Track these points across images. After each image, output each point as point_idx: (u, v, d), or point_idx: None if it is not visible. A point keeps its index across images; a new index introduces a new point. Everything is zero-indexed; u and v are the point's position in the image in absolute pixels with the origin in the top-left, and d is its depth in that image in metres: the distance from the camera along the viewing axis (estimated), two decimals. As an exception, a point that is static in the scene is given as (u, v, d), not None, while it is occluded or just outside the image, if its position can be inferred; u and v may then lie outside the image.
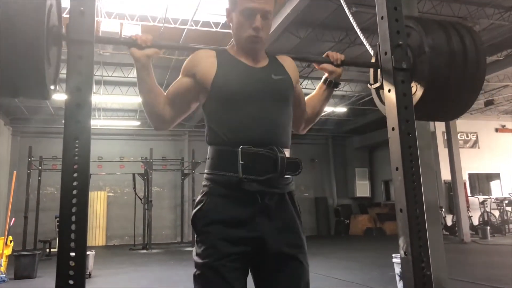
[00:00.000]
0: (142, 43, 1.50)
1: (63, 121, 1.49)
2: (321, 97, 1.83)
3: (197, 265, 1.45)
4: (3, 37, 1.23)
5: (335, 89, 1.83)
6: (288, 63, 1.69)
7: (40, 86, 1.37)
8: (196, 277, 1.45)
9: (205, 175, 1.55)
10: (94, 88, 10.90)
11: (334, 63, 1.77)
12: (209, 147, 1.55)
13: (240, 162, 1.41)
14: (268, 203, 1.47)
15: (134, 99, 12.82)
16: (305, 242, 1.56)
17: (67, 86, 1.51)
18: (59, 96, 11.72)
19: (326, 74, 1.81)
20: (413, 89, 1.81)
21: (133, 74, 11.30)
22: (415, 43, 1.82)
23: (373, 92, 2.03)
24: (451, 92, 1.82)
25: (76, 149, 1.45)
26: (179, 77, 1.60)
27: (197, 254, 1.46)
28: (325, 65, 1.79)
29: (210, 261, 1.41)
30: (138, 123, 15.26)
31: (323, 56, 1.81)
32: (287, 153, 1.51)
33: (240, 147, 1.42)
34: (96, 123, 13.83)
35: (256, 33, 1.52)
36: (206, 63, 1.54)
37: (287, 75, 1.63)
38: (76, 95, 1.49)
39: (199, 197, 1.53)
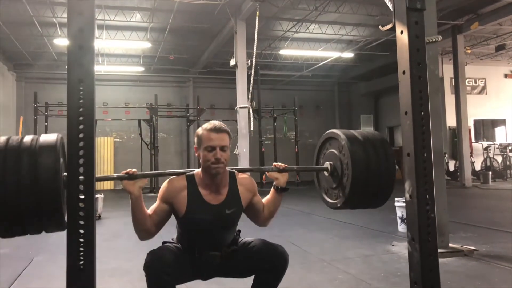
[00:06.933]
0: (131, 173, 1.94)
1: (66, 67, 1.46)
2: (273, 201, 2.28)
3: None
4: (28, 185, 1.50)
5: (283, 193, 2.25)
6: (247, 185, 2.20)
7: (59, 222, 1.61)
8: None
9: (176, 239, 2.21)
10: (96, 32, 10.65)
11: (280, 169, 2.20)
12: (179, 229, 2.18)
13: (196, 255, 2.09)
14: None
15: (137, 44, 12.56)
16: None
17: (68, 28, 1.46)
18: (61, 41, 11.55)
19: (275, 181, 2.23)
20: (337, 196, 2.24)
21: (135, 18, 10.99)
22: (343, 160, 2.15)
23: (315, 175, 2.46)
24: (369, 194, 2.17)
25: (81, 92, 1.43)
26: (158, 202, 2.09)
27: None
28: (272, 173, 2.23)
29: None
30: (142, 68, 15.03)
31: (271, 166, 2.24)
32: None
33: (197, 254, 2.10)
34: (100, 68, 13.65)
35: (218, 160, 2.01)
36: (180, 198, 2.08)
37: (238, 206, 2.14)
38: (79, 37, 1.46)
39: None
